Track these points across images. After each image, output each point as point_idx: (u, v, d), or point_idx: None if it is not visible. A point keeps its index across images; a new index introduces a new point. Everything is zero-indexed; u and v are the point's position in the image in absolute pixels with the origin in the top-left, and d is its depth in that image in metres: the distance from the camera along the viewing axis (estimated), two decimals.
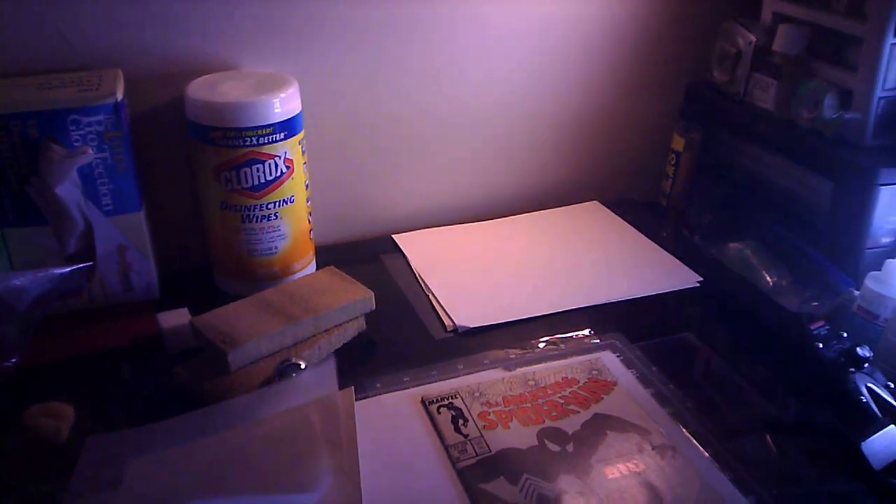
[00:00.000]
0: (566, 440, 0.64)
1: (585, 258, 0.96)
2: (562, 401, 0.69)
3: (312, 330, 0.75)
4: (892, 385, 0.66)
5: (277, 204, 0.81)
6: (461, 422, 0.66)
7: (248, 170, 0.78)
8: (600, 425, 0.66)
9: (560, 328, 0.82)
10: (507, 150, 1.07)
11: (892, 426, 0.63)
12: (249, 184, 0.79)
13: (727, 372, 0.75)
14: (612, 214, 1.07)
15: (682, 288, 0.89)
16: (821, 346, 0.67)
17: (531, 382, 0.72)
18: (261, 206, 0.80)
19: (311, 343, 0.74)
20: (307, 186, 0.85)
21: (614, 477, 0.60)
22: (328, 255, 0.93)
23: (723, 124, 1.02)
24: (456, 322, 0.82)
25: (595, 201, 1.11)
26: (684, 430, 0.66)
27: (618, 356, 0.76)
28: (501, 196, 1.09)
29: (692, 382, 0.73)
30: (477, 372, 0.74)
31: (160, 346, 0.75)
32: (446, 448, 0.63)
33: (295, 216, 0.83)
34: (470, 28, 0.96)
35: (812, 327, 0.68)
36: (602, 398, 0.70)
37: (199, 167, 0.80)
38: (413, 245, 0.98)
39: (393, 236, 1.00)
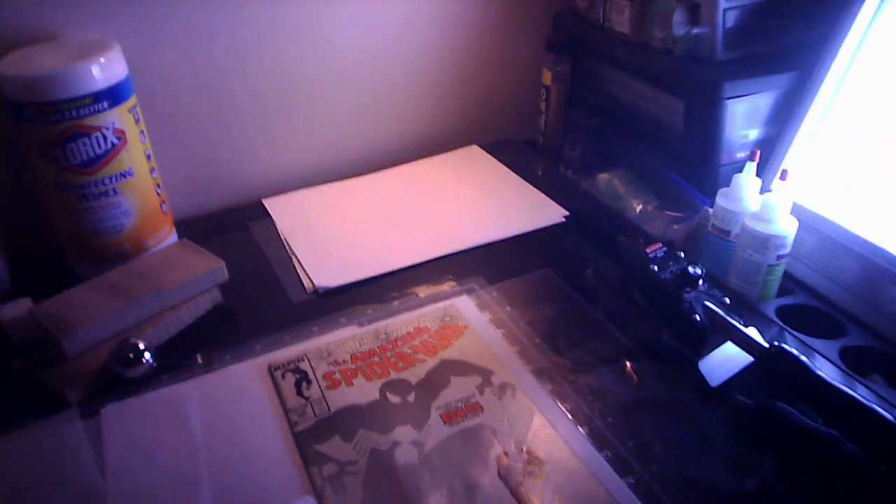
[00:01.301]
0: (408, 390, 0.64)
1: (455, 204, 0.94)
2: (410, 351, 0.69)
3: (157, 307, 0.72)
4: (728, 301, 0.66)
5: (114, 178, 0.77)
6: (304, 385, 0.65)
7: (73, 145, 0.74)
8: (445, 371, 0.66)
9: (423, 279, 0.81)
10: (379, 102, 1.04)
11: (727, 343, 0.63)
12: (78, 160, 0.75)
13: (580, 304, 0.75)
14: (489, 157, 1.06)
15: (547, 225, 0.88)
16: (656, 268, 0.66)
17: (382, 336, 0.71)
18: (96, 183, 0.76)
19: (157, 321, 0.72)
20: (148, 157, 0.81)
21: (451, 422, 0.60)
22: (192, 227, 0.90)
23: (587, 53, 1.00)
24: (315, 283, 0.80)
25: (474, 145, 1.09)
26: (528, 368, 0.66)
27: (473, 301, 0.76)
28: (379, 150, 1.07)
29: (544, 318, 0.73)
30: (331, 332, 0.73)
31: (6, 340, 0.73)
32: (286, 413, 0.62)
33: (138, 190, 0.80)
34: None
35: (648, 251, 0.67)
36: (451, 343, 0.69)
37: (24, 148, 0.76)
38: (283, 209, 0.95)
39: (262, 201, 0.97)
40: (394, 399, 0.63)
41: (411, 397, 0.63)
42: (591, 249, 0.84)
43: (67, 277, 0.80)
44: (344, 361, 0.68)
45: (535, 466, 0.56)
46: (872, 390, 0.63)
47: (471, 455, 0.58)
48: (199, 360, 0.70)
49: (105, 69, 0.74)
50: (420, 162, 1.05)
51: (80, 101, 0.72)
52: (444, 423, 0.60)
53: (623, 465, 0.57)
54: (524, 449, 0.58)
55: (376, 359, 0.68)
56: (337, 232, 0.90)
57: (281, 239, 0.89)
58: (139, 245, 0.82)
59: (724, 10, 0.81)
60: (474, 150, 1.08)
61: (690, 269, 0.65)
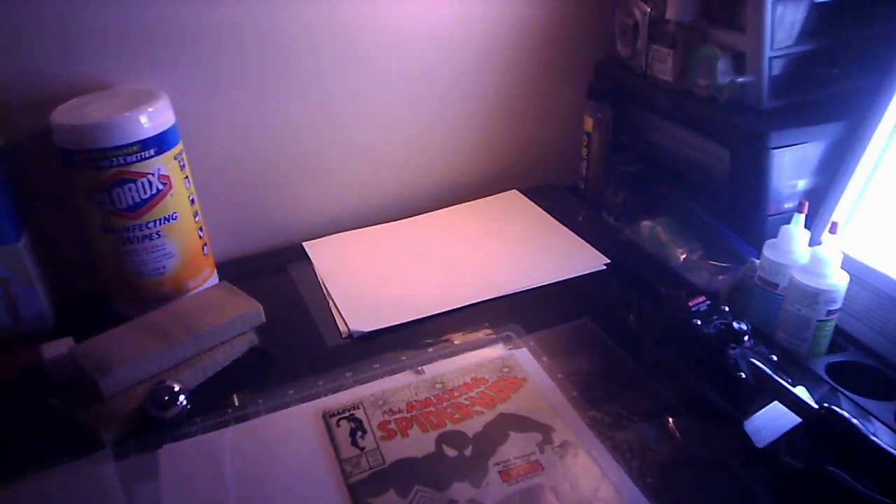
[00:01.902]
0: (465, 444, 0.62)
1: (494, 250, 0.94)
2: (467, 402, 0.67)
3: (194, 349, 0.73)
4: (775, 358, 0.63)
5: (158, 222, 0.79)
6: (359, 434, 0.64)
7: (119, 190, 0.76)
8: (503, 425, 0.64)
9: (459, 325, 0.80)
10: (420, 146, 1.04)
11: (774, 403, 0.60)
12: (124, 204, 0.76)
13: (620, 356, 0.73)
14: (530, 202, 1.05)
15: (588, 272, 0.87)
16: (699, 322, 0.64)
17: (438, 385, 0.69)
18: (140, 227, 0.78)
19: (193, 363, 0.72)
20: (192, 201, 0.83)
21: (510, 480, 0.58)
22: (233, 269, 0.92)
23: (629, 100, 0.99)
24: (350, 327, 0.80)
25: (514, 190, 1.09)
26: (584, 422, 0.64)
27: (508, 348, 0.74)
28: (419, 194, 1.07)
29: (581, 370, 0.71)
30: (384, 378, 0.72)
31: (47, 378, 0.74)
32: (340, 462, 0.61)
33: (181, 233, 0.81)
34: (364, 29, 0.93)
35: (691, 304, 0.65)
36: (510, 397, 0.67)
37: (73, 192, 0.78)
38: (322, 251, 0.96)
39: (303, 244, 0.98)
40: (450, 452, 0.61)
41: (468, 451, 0.61)
42: (633, 299, 0.82)
43: (110, 317, 0.82)
44: (399, 410, 0.66)
45: None
46: None
47: None
48: (235, 403, 0.70)
49: (153, 118, 0.76)
50: (459, 206, 1.05)
51: (128, 149, 0.75)
52: (503, 481, 0.58)
53: None
54: None
55: (432, 408, 0.66)
56: (374, 275, 0.90)
57: (319, 281, 0.89)
58: (180, 287, 0.83)
59: (770, 59, 0.80)
60: (515, 195, 1.08)
61: (735, 324, 0.62)
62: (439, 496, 0.57)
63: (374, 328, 0.79)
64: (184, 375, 0.71)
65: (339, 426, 0.65)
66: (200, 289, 0.85)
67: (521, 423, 0.64)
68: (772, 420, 0.60)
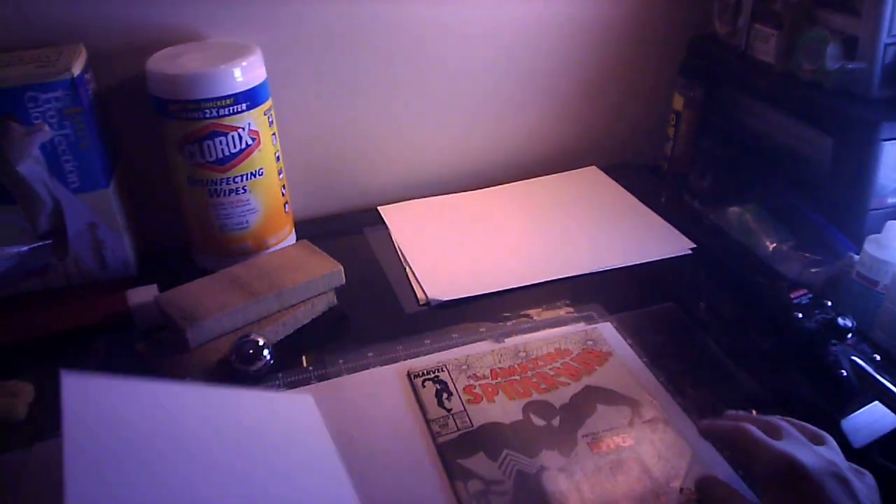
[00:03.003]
0: (553, 414, 0.62)
1: (575, 226, 0.92)
2: (552, 373, 0.66)
3: (277, 306, 0.73)
4: (878, 358, 0.61)
5: (245, 177, 0.79)
6: (445, 395, 0.64)
7: (210, 143, 0.76)
8: (590, 398, 0.63)
9: (537, 301, 0.78)
10: (500, 116, 1.03)
11: (875, 403, 0.58)
12: (213, 157, 0.77)
13: (706, 344, 0.71)
14: (610, 180, 1.03)
15: (672, 256, 0.85)
16: (800, 315, 0.62)
17: (522, 354, 0.69)
18: (227, 180, 0.79)
19: (276, 319, 0.73)
20: (278, 158, 0.83)
21: (599, 452, 0.58)
22: (310, 228, 0.92)
23: (725, 80, 0.96)
24: (428, 295, 0.79)
25: (593, 167, 1.06)
26: (674, 400, 0.63)
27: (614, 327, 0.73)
28: (496, 164, 1.06)
29: (665, 355, 0.69)
30: (467, 345, 0.71)
31: (131, 324, 0.75)
32: (428, 423, 0.61)
33: (265, 189, 0.82)
34: (451, 1, 0.92)
35: (793, 296, 0.63)
36: (595, 369, 0.67)
37: (164, 142, 0.79)
38: (398, 217, 0.95)
39: (378, 208, 0.98)
40: (538, 421, 0.61)
41: (556, 421, 0.61)
42: (720, 287, 0.80)
43: (191, 270, 0.83)
44: (484, 376, 0.66)
45: None
46: None
47: (623, 489, 0.55)
48: (314, 362, 0.70)
49: (246, 72, 0.76)
50: (538, 179, 1.04)
51: (222, 102, 0.75)
52: (593, 452, 0.58)
53: None
54: (682, 489, 0.55)
55: (517, 377, 0.66)
56: (451, 244, 0.89)
57: (395, 247, 0.89)
58: (261, 242, 0.84)
59: (886, 46, 0.76)
60: (594, 171, 1.05)
61: (840, 320, 0.60)
62: (529, 462, 0.57)
63: (452, 297, 0.79)
64: (266, 331, 0.72)
65: (424, 387, 0.65)
66: (280, 246, 0.86)
67: (609, 396, 0.63)
68: (871, 421, 0.58)
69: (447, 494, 0.55)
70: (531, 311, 0.77)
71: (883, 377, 0.58)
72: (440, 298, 0.78)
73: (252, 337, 0.68)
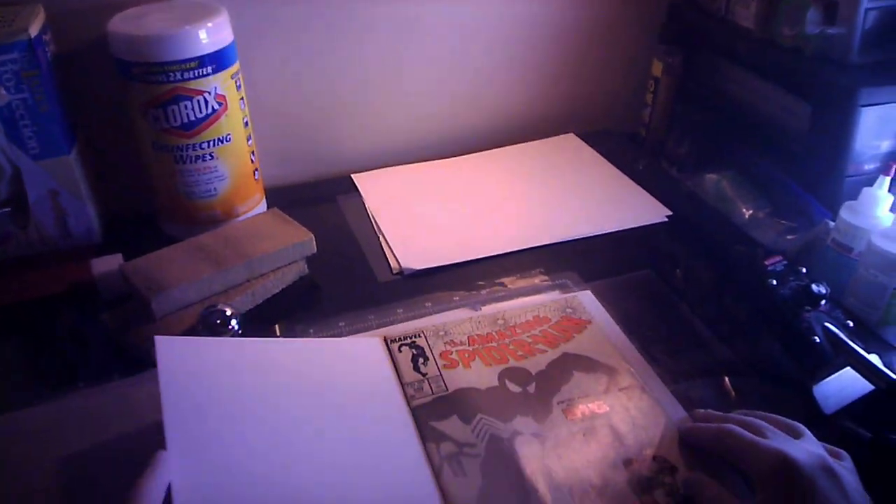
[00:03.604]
0: (528, 381, 0.61)
1: (551, 194, 0.91)
2: (530, 340, 0.66)
3: (245, 275, 0.72)
4: (851, 324, 0.60)
5: (212, 143, 0.77)
6: (421, 360, 0.63)
7: (175, 107, 0.74)
8: (567, 365, 0.63)
9: (512, 269, 0.77)
10: (478, 82, 1.01)
11: (847, 368, 0.58)
12: (178, 122, 0.74)
13: (681, 311, 0.70)
14: (587, 147, 1.01)
15: (649, 223, 0.84)
16: (775, 282, 0.61)
17: (500, 322, 0.68)
18: (194, 146, 0.76)
19: (244, 288, 0.71)
20: (246, 124, 0.80)
21: (574, 419, 0.57)
22: (281, 196, 0.90)
23: (704, 46, 0.94)
24: (401, 263, 0.78)
25: (571, 134, 1.05)
26: (651, 369, 0.63)
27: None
28: (472, 131, 1.04)
29: (641, 323, 0.69)
30: (445, 313, 0.70)
31: (96, 293, 0.73)
32: (402, 386, 0.60)
33: (233, 156, 0.79)
34: None
35: (767, 263, 0.62)
36: (573, 337, 0.66)
37: (127, 106, 0.76)
38: (372, 185, 0.94)
39: (352, 175, 0.96)
40: (513, 388, 0.60)
41: (531, 388, 0.60)
42: (695, 254, 0.79)
43: (158, 238, 0.81)
44: (461, 343, 0.65)
45: (667, 476, 0.53)
46: None
47: (596, 456, 0.55)
48: (284, 331, 0.69)
49: (212, 34, 0.73)
50: (514, 147, 1.02)
51: (186, 65, 0.72)
52: (568, 418, 0.57)
53: None
54: (654, 456, 0.54)
55: (494, 344, 0.65)
56: (425, 213, 0.87)
57: (368, 215, 0.88)
58: (230, 210, 0.82)
59: (866, 10, 0.75)
60: (571, 139, 1.04)
61: (814, 286, 0.59)
62: (503, 426, 0.56)
63: (425, 266, 0.77)
64: (234, 300, 0.70)
65: (400, 352, 0.64)
66: (250, 214, 0.84)
67: (586, 363, 0.63)
68: (842, 387, 0.58)
69: (420, 456, 0.54)
70: (506, 280, 0.76)
71: (855, 343, 0.58)
72: (413, 267, 0.77)
73: (219, 307, 0.67)
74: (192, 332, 0.66)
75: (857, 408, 0.58)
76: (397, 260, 0.79)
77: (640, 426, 0.57)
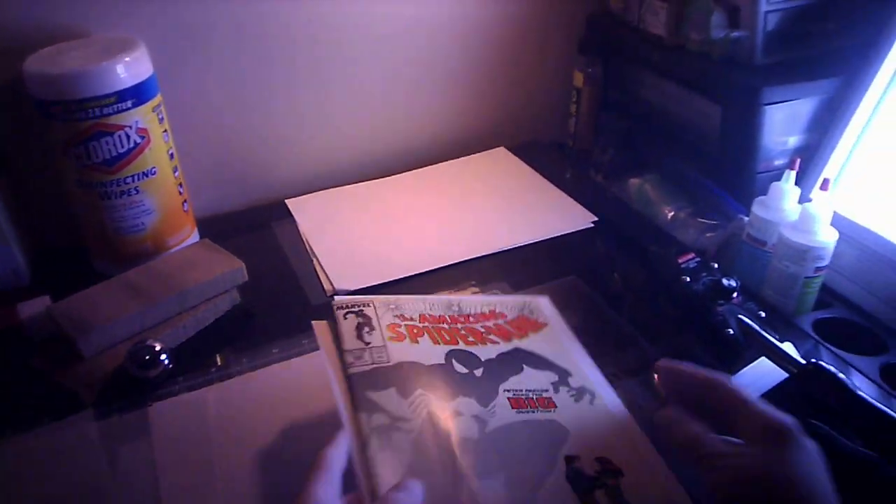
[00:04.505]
0: (477, 365, 0.58)
1: (482, 208, 0.92)
2: (483, 330, 0.62)
3: (176, 308, 0.72)
4: (763, 314, 0.63)
5: (136, 177, 0.77)
6: (366, 329, 0.59)
7: (96, 143, 0.73)
8: (518, 359, 0.60)
9: (444, 284, 0.79)
10: (405, 102, 1.02)
11: (762, 358, 0.60)
12: (100, 158, 0.74)
13: (607, 314, 0.72)
14: (517, 160, 1.03)
15: (575, 230, 0.86)
16: (688, 279, 0.64)
17: (455, 307, 0.64)
18: (118, 182, 0.76)
19: (176, 322, 0.71)
20: (171, 156, 0.80)
21: (520, 408, 0.55)
22: (215, 225, 0.90)
23: (620, 55, 0.97)
24: (335, 285, 0.78)
25: (501, 147, 1.07)
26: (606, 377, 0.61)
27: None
28: (404, 151, 1.05)
29: (572, 327, 0.70)
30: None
31: (25, 336, 0.72)
32: (342, 353, 0.56)
33: (160, 189, 0.79)
34: None
35: (680, 261, 0.65)
36: (528, 335, 0.63)
37: (49, 145, 0.76)
38: (305, 209, 0.94)
39: (286, 201, 0.96)
40: (460, 368, 0.57)
41: (479, 372, 0.57)
42: (620, 257, 0.82)
43: (88, 275, 0.80)
44: (411, 318, 0.61)
45: (611, 478, 0.51)
46: None
47: (537, 448, 0.52)
48: (219, 363, 0.69)
49: (130, 68, 0.73)
50: (445, 164, 1.04)
51: (104, 100, 0.72)
52: (513, 407, 0.55)
53: None
54: (599, 457, 0.52)
55: (445, 326, 0.62)
56: (359, 234, 0.88)
57: (302, 240, 0.88)
58: (160, 244, 0.81)
59: (766, 13, 0.78)
60: (501, 153, 1.06)
61: (724, 280, 0.62)
62: (442, 405, 0.53)
63: (359, 286, 0.78)
64: (165, 334, 0.70)
65: (345, 319, 0.59)
66: (181, 246, 0.83)
67: (538, 361, 0.60)
68: (758, 376, 0.60)
69: (350, 425, 0.51)
70: (439, 295, 0.77)
71: (769, 333, 0.60)
72: (347, 288, 0.78)
73: (147, 342, 0.67)
74: (121, 369, 0.66)
75: (775, 396, 0.60)
76: (330, 282, 0.79)
77: (587, 426, 0.54)
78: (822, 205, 0.69)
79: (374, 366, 0.55)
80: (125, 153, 0.75)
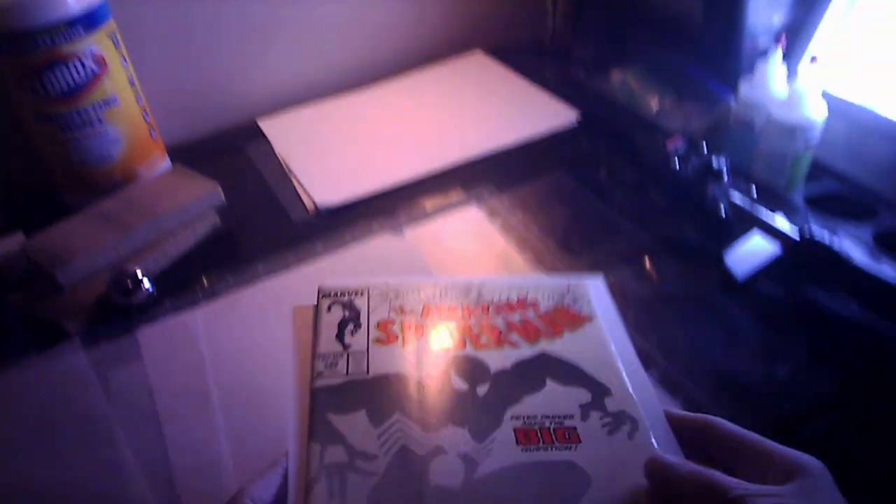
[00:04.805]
0: (483, 379, 0.44)
1: (461, 113, 0.90)
2: (503, 327, 0.48)
3: (153, 235, 0.70)
4: (755, 191, 0.62)
5: (97, 107, 0.73)
6: (351, 327, 0.47)
7: (51, 74, 0.70)
8: (541, 369, 0.45)
9: (429, 191, 0.77)
10: (375, 9, 0.97)
11: (754, 236, 0.59)
12: (58, 89, 0.71)
13: (596, 205, 0.71)
14: (494, 62, 1.00)
15: (559, 128, 0.84)
16: (678, 163, 0.62)
17: (473, 293, 0.50)
18: (79, 112, 0.73)
19: (154, 248, 0.69)
20: (132, 82, 0.77)
21: (527, 445, 0.40)
22: (186, 152, 0.87)
23: None
24: (317, 201, 0.76)
25: (478, 50, 1.03)
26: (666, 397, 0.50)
27: (483, 210, 0.71)
28: (379, 61, 1.01)
29: (558, 222, 0.69)
30: (338, 248, 0.69)
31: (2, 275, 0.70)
32: (313, 357, 0.45)
33: (124, 117, 0.76)
34: None
35: (668, 146, 0.63)
36: (562, 333, 0.48)
37: (4, 81, 0.72)
38: (279, 128, 0.91)
39: (258, 121, 0.93)
40: (459, 385, 0.44)
41: (482, 389, 0.43)
42: (607, 151, 0.80)
43: (60, 211, 0.77)
44: (411, 311, 0.48)
45: None
46: None
47: (542, 503, 0.38)
48: (204, 284, 0.67)
49: None
50: (422, 71, 1.00)
51: (54, 28, 0.68)
52: (519, 442, 0.40)
53: (646, 358, 0.53)
54: None
55: (455, 322, 0.48)
56: (337, 148, 0.86)
57: (279, 159, 0.85)
58: (130, 173, 0.79)
59: None
60: (478, 56, 1.02)
61: (714, 161, 0.60)
62: (422, 437, 0.40)
63: (341, 201, 0.76)
64: (146, 261, 0.68)
65: (329, 311, 0.47)
66: (153, 174, 0.81)
67: (568, 372, 0.45)
68: (752, 252, 0.59)
69: (297, 457, 0.39)
70: (424, 202, 0.75)
71: (760, 211, 0.59)
72: (329, 203, 0.76)
73: (129, 269, 0.65)
74: (103, 298, 0.64)
75: (770, 271, 0.60)
76: (311, 199, 0.77)
77: (618, 472, 0.39)
78: (811, 81, 0.66)
79: (348, 379, 0.43)
80: (82, 83, 0.72)
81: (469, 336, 0.47)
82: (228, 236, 0.74)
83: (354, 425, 0.40)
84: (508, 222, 0.70)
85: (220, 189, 0.73)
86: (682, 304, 0.58)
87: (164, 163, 0.83)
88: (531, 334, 0.48)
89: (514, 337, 0.47)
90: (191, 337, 0.62)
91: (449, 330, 0.47)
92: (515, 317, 0.49)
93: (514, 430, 0.41)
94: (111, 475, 0.52)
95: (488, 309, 0.49)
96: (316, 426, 0.40)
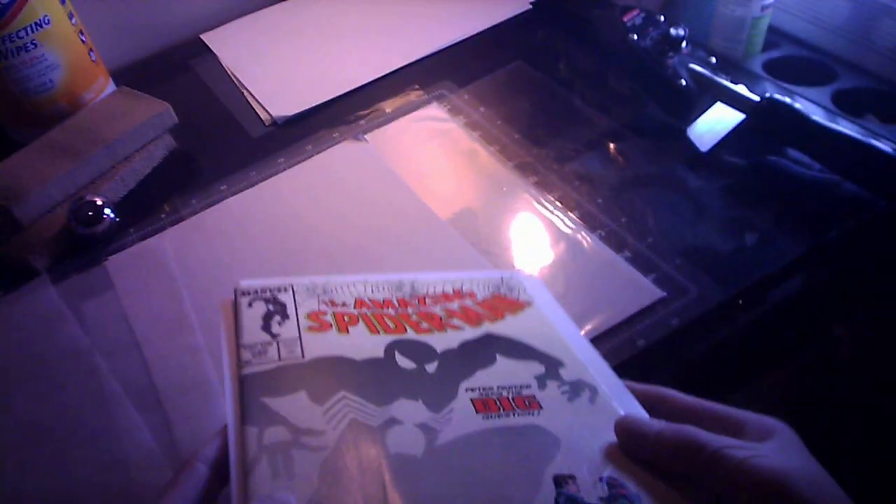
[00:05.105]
0: (429, 358, 0.42)
1: (411, 10, 0.86)
2: (442, 314, 0.46)
3: (108, 161, 0.68)
4: (714, 61, 0.61)
5: (29, 30, 0.69)
6: (277, 318, 0.44)
7: None
8: (489, 347, 0.44)
9: (387, 93, 0.75)
10: None
11: (717, 106, 0.59)
12: None
13: (558, 93, 0.70)
14: None
15: (513, 15, 0.81)
16: (636, 37, 0.61)
17: (406, 288, 0.48)
18: (10, 37, 0.68)
19: (111, 175, 0.67)
20: (63, 1, 0.72)
21: (489, 412, 0.39)
22: (131, 74, 0.84)
23: None
24: (273, 113, 0.74)
25: None
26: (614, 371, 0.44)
27: (444, 107, 0.70)
28: None
29: (521, 113, 0.68)
30: (302, 161, 0.68)
31: None
32: (238, 348, 0.41)
33: (59, 39, 0.72)
34: None
35: (625, 19, 0.62)
36: (503, 317, 0.47)
37: None
38: (224, 41, 0.87)
39: (201, 37, 0.89)
40: (405, 363, 0.41)
41: (432, 367, 0.41)
42: (564, 33, 0.78)
43: (7, 147, 0.74)
44: (343, 304, 0.46)
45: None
46: (868, 129, 0.60)
47: (513, 466, 0.36)
48: (167, 209, 0.66)
49: None
50: None
51: None
52: (478, 411, 0.39)
53: (618, 240, 0.55)
54: (603, 478, 0.36)
55: (391, 311, 0.46)
56: (287, 57, 0.83)
57: (228, 74, 0.82)
58: (75, 100, 0.75)
59: None
60: None
61: (672, 31, 0.59)
62: (373, 410, 0.38)
63: (298, 111, 0.74)
64: (104, 190, 0.66)
65: (250, 307, 0.44)
66: (98, 99, 0.77)
67: (517, 348, 0.44)
68: (714, 123, 0.59)
69: (238, 441, 0.36)
70: (383, 104, 0.74)
71: (721, 77, 0.59)
72: (285, 114, 0.74)
73: (87, 198, 0.63)
74: (65, 230, 0.63)
75: (734, 138, 0.60)
76: (267, 111, 0.75)
77: (586, 434, 0.38)
78: None
79: (280, 364, 0.41)
80: (8, 3, 0.67)
81: (409, 322, 0.45)
82: (187, 158, 0.72)
83: (294, 405, 0.38)
84: (471, 118, 0.69)
85: (171, 109, 0.70)
86: (649, 185, 0.58)
87: (109, 86, 0.79)
88: (473, 319, 0.46)
89: (457, 321, 0.46)
90: (161, 261, 0.61)
91: (386, 318, 0.45)
92: (454, 305, 0.47)
93: (472, 401, 0.39)
94: (100, 405, 0.52)
95: (425, 300, 0.47)
96: (250, 410, 0.37)
